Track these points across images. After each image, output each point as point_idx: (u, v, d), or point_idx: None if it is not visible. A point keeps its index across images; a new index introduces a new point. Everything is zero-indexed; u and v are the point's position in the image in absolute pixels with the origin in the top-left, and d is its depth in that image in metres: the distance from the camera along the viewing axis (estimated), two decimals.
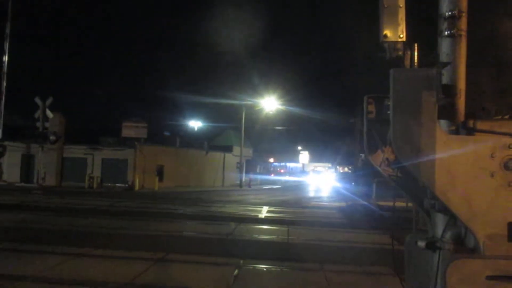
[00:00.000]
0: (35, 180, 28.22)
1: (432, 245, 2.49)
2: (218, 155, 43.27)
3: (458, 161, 2.30)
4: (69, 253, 7.79)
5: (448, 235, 2.48)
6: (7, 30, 24.21)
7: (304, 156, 76.62)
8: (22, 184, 29.07)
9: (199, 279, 6.76)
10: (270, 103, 43.07)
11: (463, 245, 2.42)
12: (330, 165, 64.52)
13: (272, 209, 18.14)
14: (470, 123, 2.40)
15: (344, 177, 50.07)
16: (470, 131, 2.39)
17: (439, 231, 2.54)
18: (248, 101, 41.95)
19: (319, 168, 62.40)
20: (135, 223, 12.48)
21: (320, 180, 55.01)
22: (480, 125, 2.38)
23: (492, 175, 2.30)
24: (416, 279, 2.72)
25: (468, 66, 2.50)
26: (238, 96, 42.21)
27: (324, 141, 74.67)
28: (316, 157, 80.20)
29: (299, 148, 78.35)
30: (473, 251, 2.35)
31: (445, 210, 2.40)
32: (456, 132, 2.43)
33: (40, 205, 16.33)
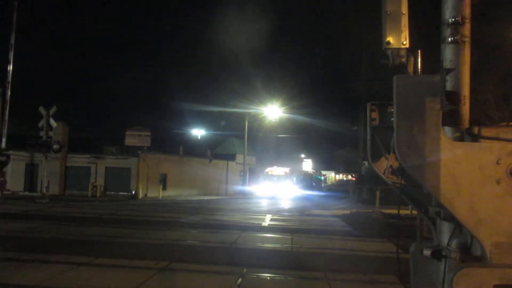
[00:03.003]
0: (38, 189, 28.26)
1: (437, 254, 2.46)
2: (221, 163, 43.26)
3: (463, 168, 2.27)
4: (72, 262, 7.76)
5: (454, 243, 2.44)
6: (12, 40, 24.40)
7: (307, 163, 76.50)
8: (26, 193, 29.12)
9: None
10: (273, 111, 43.15)
11: (469, 253, 2.39)
12: (289, 169, 46.21)
13: (275, 217, 18.07)
14: (475, 129, 2.38)
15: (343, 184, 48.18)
16: (475, 138, 2.37)
17: (444, 239, 2.51)
18: (251, 109, 42.04)
19: (276, 173, 43.64)
20: (138, 232, 12.44)
21: (277, 189, 39.94)
22: (485, 131, 2.36)
23: (498, 182, 2.27)
24: None
25: (472, 73, 2.48)
26: (241, 104, 42.30)
27: (328, 149, 74.64)
28: (320, 164, 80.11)
29: (302, 156, 78.32)
30: (480, 260, 2.31)
31: (451, 218, 2.37)
32: (461, 139, 2.41)
33: (43, 214, 16.34)
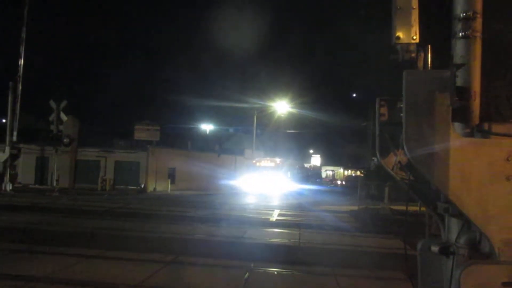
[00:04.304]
0: (49, 182, 28.58)
1: (446, 250, 2.45)
2: (229, 158, 43.36)
3: (473, 165, 2.25)
4: (81, 255, 7.85)
5: (462, 240, 2.43)
6: (23, 35, 24.61)
7: (316, 159, 76.34)
8: (37, 186, 29.48)
9: (209, 282, 6.76)
10: (281, 106, 43.09)
11: (478, 250, 2.37)
12: (280, 159, 38.84)
13: (283, 212, 18.08)
14: (485, 126, 2.36)
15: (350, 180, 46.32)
16: (485, 134, 2.35)
17: (453, 236, 2.50)
18: (259, 104, 42.06)
19: (264, 164, 36.49)
20: (147, 225, 12.52)
21: (266, 183, 33.15)
22: (496, 128, 2.34)
23: (508, 179, 2.25)
24: (430, 284, 2.67)
25: (483, 68, 2.45)
26: (250, 100, 42.35)
27: (337, 145, 74.39)
28: (329, 160, 79.95)
29: (311, 151, 78.18)
30: (488, 257, 2.30)
31: (459, 214, 2.36)
32: (471, 135, 2.39)
33: (53, 207, 16.52)
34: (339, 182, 57.82)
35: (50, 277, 6.36)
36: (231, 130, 51.59)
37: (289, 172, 39.25)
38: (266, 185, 32.93)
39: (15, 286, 5.85)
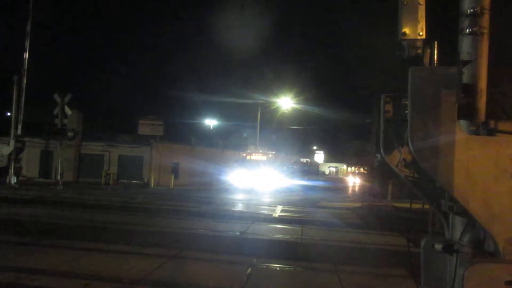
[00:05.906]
0: (53, 176, 28.70)
1: (449, 248, 2.44)
2: (233, 154, 43.37)
3: (478, 162, 2.24)
4: (84, 248, 7.90)
5: (466, 238, 2.42)
6: (28, 28, 24.65)
7: (319, 155, 76.35)
8: (41, 179, 29.61)
9: (212, 277, 6.78)
10: (285, 102, 43.02)
11: (482, 248, 2.36)
12: (273, 153, 35.55)
13: (286, 208, 18.09)
14: (491, 123, 2.34)
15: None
16: (491, 132, 2.33)
17: (457, 234, 2.49)
18: (263, 100, 42.00)
19: (256, 157, 32.96)
20: (150, 220, 12.57)
21: (257, 177, 30.26)
22: (502, 125, 2.32)
23: None
24: (433, 282, 2.66)
25: (490, 65, 2.43)
26: (254, 96, 42.32)
27: (341, 141, 74.32)
28: (332, 157, 79.89)
29: (314, 147, 78.15)
30: (492, 255, 2.29)
31: (464, 212, 2.34)
32: (476, 132, 2.37)
33: (57, 200, 16.62)
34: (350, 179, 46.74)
35: (55, 270, 6.40)
36: (234, 122, 51.30)
37: (283, 167, 37.06)
38: (257, 180, 30.62)
39: (20, 279, 5.89)
